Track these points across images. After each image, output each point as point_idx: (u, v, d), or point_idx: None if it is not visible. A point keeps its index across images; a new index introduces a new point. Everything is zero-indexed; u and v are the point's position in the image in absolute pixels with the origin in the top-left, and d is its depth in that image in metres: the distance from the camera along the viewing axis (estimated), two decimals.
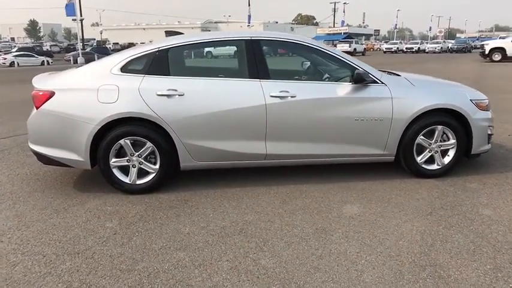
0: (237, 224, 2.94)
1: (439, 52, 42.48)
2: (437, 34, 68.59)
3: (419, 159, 3.71)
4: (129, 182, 3.48)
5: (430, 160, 3.75)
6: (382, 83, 3.56)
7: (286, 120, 3.45)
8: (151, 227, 2.90)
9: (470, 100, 3.70)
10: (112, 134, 3.33)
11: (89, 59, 32.64)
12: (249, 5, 44.25)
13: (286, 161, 3.62)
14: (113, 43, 55.85)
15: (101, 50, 38.96)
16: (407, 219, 2.98)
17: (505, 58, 21.36)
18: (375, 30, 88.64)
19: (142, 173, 3.50)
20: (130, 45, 52.15)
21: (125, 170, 3.49)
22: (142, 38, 61.32)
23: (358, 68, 3.53)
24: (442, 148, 3.72)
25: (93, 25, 76.69)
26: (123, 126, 3.33)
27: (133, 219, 3.04)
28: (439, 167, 3.75)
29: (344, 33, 58.48)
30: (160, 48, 3.46)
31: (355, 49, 40.76)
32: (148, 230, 2.86)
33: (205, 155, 3.49)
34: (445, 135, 3.71)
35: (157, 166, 3.46)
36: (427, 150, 3.71)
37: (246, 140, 3.48)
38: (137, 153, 3.42)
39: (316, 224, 2.91)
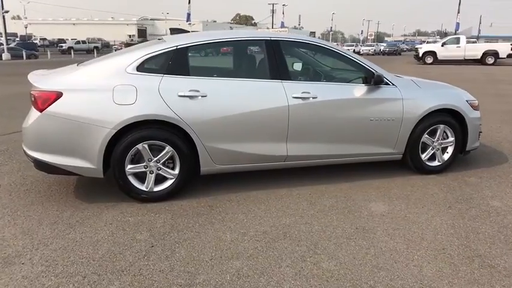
0: (276, 228, 2.88)
1: (373, 54, 45.34)
2: (368, 37, 73.17)
3: (424, 156, 3.94)
4: (146, 190, 3.24)
5: (432, 157, 4.00)
6: (393, 84, 3.72)
7: (308, 121, 3.46)
8: (189, 237, 2.73)
9: (466, 101, 4.01)
10: (129, 138, 3.07)
11: (15, 55, 29.95)
12: (189, 2, 43.36)
13: (305, 162, 3.63)
14: (40, 38, 51.45)
15: (28, 45, 35.90)
16: (433, 214, 3.14)
17: (436, 61, 23.52)
18: (310, 32, 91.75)
19: (158, 180, 3.28)
20: (60, 41, 48.47)
21: (138, 176, 3.24)
22: (72, 34, 57.28)
23: (371, 69, 3.65)
24: (442, 146, 3.99)
25: (14, 18, 69.80)
26: (141, 130, 3.09)
27: (164, 230, 2.83)
28: (439, 163, 4.01)
29: None
30: (178, 47, 3.26)
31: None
32: (187, 240, 2.69)
33: (226, 158, 3.37)
34: (444, 133, 3.97)
35: (176, 171, 3.27)
36: (430, 148, 3.95)
37: (267, 141, 3.42)
38: (155, 159, 3.19)
39: (355, 224, 2.95)
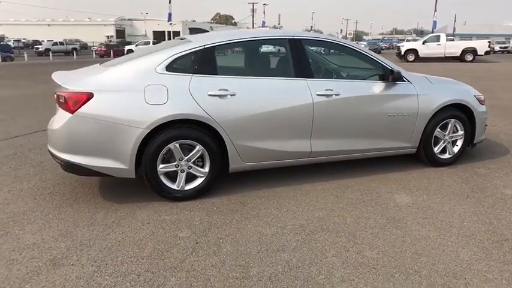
0: (312, 221, 2.97)
1: None
2: (348, 36, 74.26)
3: (436, 149, 4.11)
4: (177, 189, 3.28)
5: (443, 150, 4.18)
6: (408, 81, 3.87)
7: (331, 118, 3.56)
8: (230, 232, 2.79)
9: (474, 96, 4.22)
10: (161, 137, 3.10)
11: None
12: (170, 2, 42.95)
13: (328, 158, 3.73)
14: (14, 40, 49.79)
15: (3, 47, 34.62)
16: (454, 203, 3.31)
17: (418, 58, 24.18)
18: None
19: (187, 178, 3.32)
20: (36, 42, 47.09)
21: (169, 176, 3.28)
22: (47, 35, 55.74)
23: (389, 66, 3.79)
24: (452, 139, 4.17)
25: None
26: (173, 129, 3.13)
27: (203, 227, 2.88)
28: (450, 156, 4.19)
29: None
30: (206, 46, 3.31)
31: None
32: (230, 236, 2.75)
33: (254, 156, 3.44)
34: (454, 127, 4.16)
35: (206, 169, 3.31)
36: (442, 141, 4.13)
37: (292, 138, 3.51)
38: (186, 157, 3.23)
39: (385, 215, 3.08)
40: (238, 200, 3.34)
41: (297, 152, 3.57)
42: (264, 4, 62.75)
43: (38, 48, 40.65)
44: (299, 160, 3.63)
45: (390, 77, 3.71)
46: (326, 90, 3.51)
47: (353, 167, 4.09)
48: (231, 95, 3.26)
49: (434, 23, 50.97)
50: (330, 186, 3.65)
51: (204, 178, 3.33)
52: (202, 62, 3.29)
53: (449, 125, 4.09)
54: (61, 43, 42.15)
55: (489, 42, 24.13)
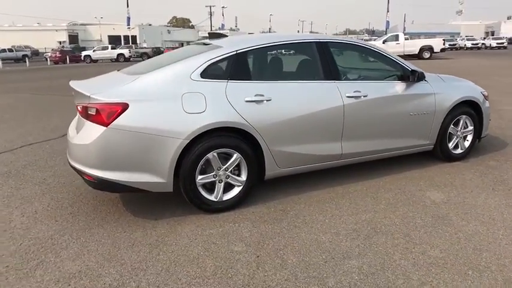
0: (362, 224, 2.94)
1: None
2: None
3: (450, 145, 4.25)
4: (215, 200, 3.13)
5: (456, 145, 4.32)
6: (425, 80, 3.97)
7: (360, 119, 3.57)
8: (286, 243, 2.70)
9: (480, 92, 4.40)
10: (200, 147, 2.95)
11: None
12: (128, 6, 41.80)
13: (357, 159, 3.73)
14: None
15: None
16: (484, 196, 3.41)
17: None
18: (249, 33, 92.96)
19: (223, 188, 3.18)
20: None
21: (205, 187, 3.12)
22: None
23: (408, 67, 3.86)
24: (463, 134, 4.33)
25: None
26: (212, 138, 2.98)
27: (255, 238, 2.77)
28: (462, 150, 4.35)
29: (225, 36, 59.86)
30: (238, 51, 3.19)
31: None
32: (288, 246, 2.66)
33: (289, 161, 3.36)
34: (465, 123, 4.32)
35: (244, 178, 3.19)
36: (455, 137, 4.27)
37: (324, 141, 3.47)
38: (224, 167, 3.10)
39: (428, 213, 3.11)
40: (277, 208, 3.25)
41: (329, 155, 3.54)
42: (223, 7, 62.63)
43: None
44: (331, 163, 3.60)
45: (412, 77, 3.78)
46: (355, 91, 3.51)
47: (373, 168, 4.12)
48: (266, 100, 3.16)
49: (388, 22, 53.43)
50: (361, 188, 3.65)
51: (241, 187, 3.20)
52: (236, 68, 3.17)
53: (461, 121, 4.24)
54: (10, 50, 39.60)
55: (444, 40, 25.56)
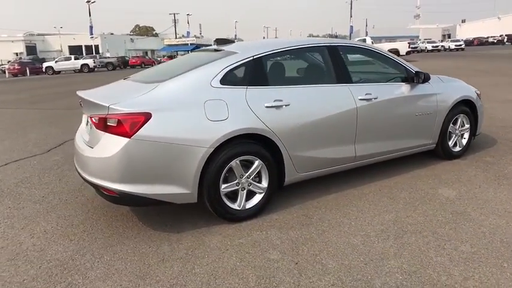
0: (388, 225, 2.98)
1: None
2: None
3: (450, 143, 4.40)
4: (239, 209, 3.07)
5: (454, 144, 4.48)
6: (428, 81, 4.10)
7: (372, 121, 3.63)
8: (321, 248, 2.68)
9: (475, 91, 4.60)
10: (224, 155, 2.88)
11: None
12: (90, 15, 40.62)
13: (369, 161, 3.79)
14: None
15: None
16: (493, 191, 3.55)
17: None
18: (214, 40, 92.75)
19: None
20: None
21: (228, 195, 3.05)
22: None
23: (412, 69, 3.98)
24: (461, 133, 4.50)
25: None
26: (235, 145, 2.93)
27: (287, 245, 2.73)
28: (460, 148, 4.52)
29: (191, 44, 59.56)
30: (255, 57, 3.16)
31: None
32: (323, 251, 2.64)
33: (307, 165, 3.36)
34: (462, 122, 4.49)
35: (265, 185, 3.15)
36: (454, 136, 4.44)
37: (339, 144, 3.50)
38: (247, 174, 3.04)
39: (446, 209, 3.20)
40: (299, 213, 3.23)
41: (344, 158, 3.57)
42: (188, 14, 62.30)
43: None
44: (345, 165, 3.63)
45: (418, 79, 3.89)
46: (366, 94, 3.57)
47: (381, 169, 4.19)
48: (285, 105, 3.15)
49: (351, 27, 55.12)
50: (375, 189, 3.70)
51: (263, 194, 3.16)
52: (254, 73, 3.14)
53: (459, 120, 4.41)
54: None
55: (409, 43, 26.64)
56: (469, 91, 4.48)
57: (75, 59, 37.07)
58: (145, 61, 45.63)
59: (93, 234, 3.01)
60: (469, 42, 55.02)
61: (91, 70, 36.01)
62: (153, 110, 2.71)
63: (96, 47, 57.03)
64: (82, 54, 50.04)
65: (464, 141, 4.55)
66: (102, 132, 2.78)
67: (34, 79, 29.14)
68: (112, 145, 2.69)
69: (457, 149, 4.50)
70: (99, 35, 64.72)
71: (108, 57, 44.99)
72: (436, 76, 4.40)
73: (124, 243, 2.86)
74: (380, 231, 2.89)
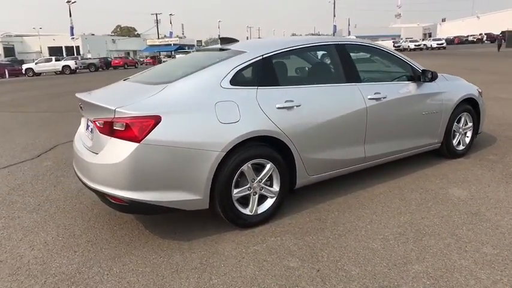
0: (405, 227, 2.90)
1: None
2: None
3: (454, 142, 4.39)
4: (251, 214, 2.95)
5: (458, 142, 4.47)
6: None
7: (381, 120, 3.56)
8: (340, 253, 2.59)
9: (477, 89, 4.60)
10: (235, 159, 2.77)
11: None
12: (70, 15, 39.70)
13: (377, 161, 3.72)
14: None
15: None
16: (504, 190, 3.53)
17: None
18: (197, 40, 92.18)
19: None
20: None
21: (239, 201, 2.93)
22: None
23: (418, 68, 3.93)
24: (464, 131, 4.49)
25: None
26: (247, 148, 2.81)
27: (305, 251, 2.63)
28: (464, 147, 4.51)
29: (174, 44, 58.97)
30: (264, 56, 3.05)
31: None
32: (344, 257, 2.55)
33: (318, 168, 3.27)
34: (465, 120, 4.47)
35: (277, 188, 3.05)
36: (458, 134, 4.42)
37: (350, 145, 3.42)
38: (258, 178, 2.93)
39: (460, 210, 3.15)
40: (312, 217, 3.14)
41: (354, 159, 3.49)
42: (170, 14, 61.68)
43: None
44: (355, 167, 3.55)
45: (424, 77, 3.85)
46: (375, 93, 3.50)
47: (388, 169, 4.13)
48: (296, 106, 3.05)
49: (335, 27, 55.51)
50: (385, 190, 3.63)
51: (275, 198, 3.05)
52: (264, 73, 3.03)
53: (463, 119, 4.40)
54: None
55: (393, 42, 26.93)
56: (471, 89, 4.48)
57: (56, 61, 36.18)
58: (128, 62, 44.98)
59: (98, 245, 2.84)
60: (450, 41, 56.08)
61: (73, 72, 35.21)
62: (162, 112, 2.56)
63: (77, 48, 55.85)
64: (62, 55, 48.91)
65: (467, 140, 4.55)
66: (107, 137, 2.62)
67: (14, 81, 28.32)
68: (120, 151, 2.53)
69: (461, 147, 4.49)
70: (79, 36, 63.38)
71: (90, 58, 44.11)
72: (441, 74, 4.37)
73: (132, 253, 2.71)
74: (398, 234, 2.82)
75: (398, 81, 3.88)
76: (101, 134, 2.69)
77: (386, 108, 3.58)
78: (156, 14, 74.83)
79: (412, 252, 2.57)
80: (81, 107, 3.02)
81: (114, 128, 2.56)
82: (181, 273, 2.44)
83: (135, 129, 2.49)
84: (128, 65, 43.71)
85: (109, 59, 45.23)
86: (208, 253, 2.66)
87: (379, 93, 3.53)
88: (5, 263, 2.65)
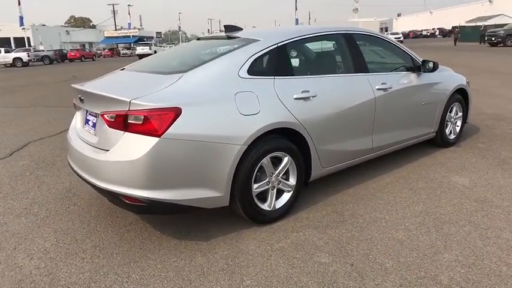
0: (423, 217, 2.91)
1: None
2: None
3: (447, 131, 4.49)
4: (269, 209, 2.84)
5: (450, 132, 4.58)
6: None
7: (388, 111, 3.55)
8: (369, 246, 2.54)
9: (466, 80, 4.73)
10: (255, 152, 2.63)
11: None
12: (19, 4, 37.04)
13: (382, 152, 3.72)
14: None
15: None
16: (502, 176, 3.65)
17: None
18: (156, 32, 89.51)
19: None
20: None
21: (257, 196, 2.81)
22: None
23: (418, 59, 3.96)
24: (455, 120, 4.61)
25: None
26: (267, 141, 2.68)
27: (332, 246, 2.56)
28: (455, 136, 4.63)
29: (133, 36, 56.89)
30: (279, 45, 2.92)
31: (155, 51, 40.51)
32: (374, 248, 2.50)
33: (331, 159, 3.21)
34: (456, 110, 4.59)
35: (293, 182, 2.95)
36: (449, 124, 4.53)
37: (359, 135, 3.39)
38: (276, 172, 2.82)
39: (469, 197, 3.21)
40: (328, 210, 3.07)
41: (363, 150, 3.46)
42: (129, 5, 59.37)
43: None
44: (364, 157, 3.53)
45: (424, 67, 3.89)
46: (382, 84, 3.49)
47: (388, 158, 4.16)
48: (313, 97, 2.95)
49: (297, 20, 55.92)
50: (391, 180, 3.64)
51: (291, 192, 2.96)
52: (280, 62, 2.90)
53: (454, 108, 4.51)
54: None
55: None
56: (462, 80, 4.60)
57: (5, 52, 33.66)
58: (85, 54, 42.80)
59: (107, 250, 2.61)
60: (405, 35, 58.26)
61: (25, 64, 32.92)
62: (182, 104, 2.37)
63: (28, 39, 52.36)
64: (11, 47, 45.67)
65: (457, 129, 4.68)
66: (119, 131, 2.39)
67: None
68: (137, 146, 2.31)
69: (452, 136, 4.61)
70: (30, 26, 59.46)
71: (43, 51, 41.51)
72: None
73: (149, 257, 2.51)
74: (418, 223, 2.82)
75: (400, 71, 3.89)
76: (109, 129, 2.45)
77: (391, 99, 3.57)
78: (113, 5, 71.69)
79: (437, 241, 2.58)
80: (81, 100, 2.75)
81: (129, 121, 2.33)
82: (209, 276, 2.29)
83: (155, 122, 2.29)
84: (85, 57, 41.59)
85: (64, 51, 42.80)
86: (232, 252, 2.52)
87: (385, 83, 3.51)
88: (3, 276, 2.36)
